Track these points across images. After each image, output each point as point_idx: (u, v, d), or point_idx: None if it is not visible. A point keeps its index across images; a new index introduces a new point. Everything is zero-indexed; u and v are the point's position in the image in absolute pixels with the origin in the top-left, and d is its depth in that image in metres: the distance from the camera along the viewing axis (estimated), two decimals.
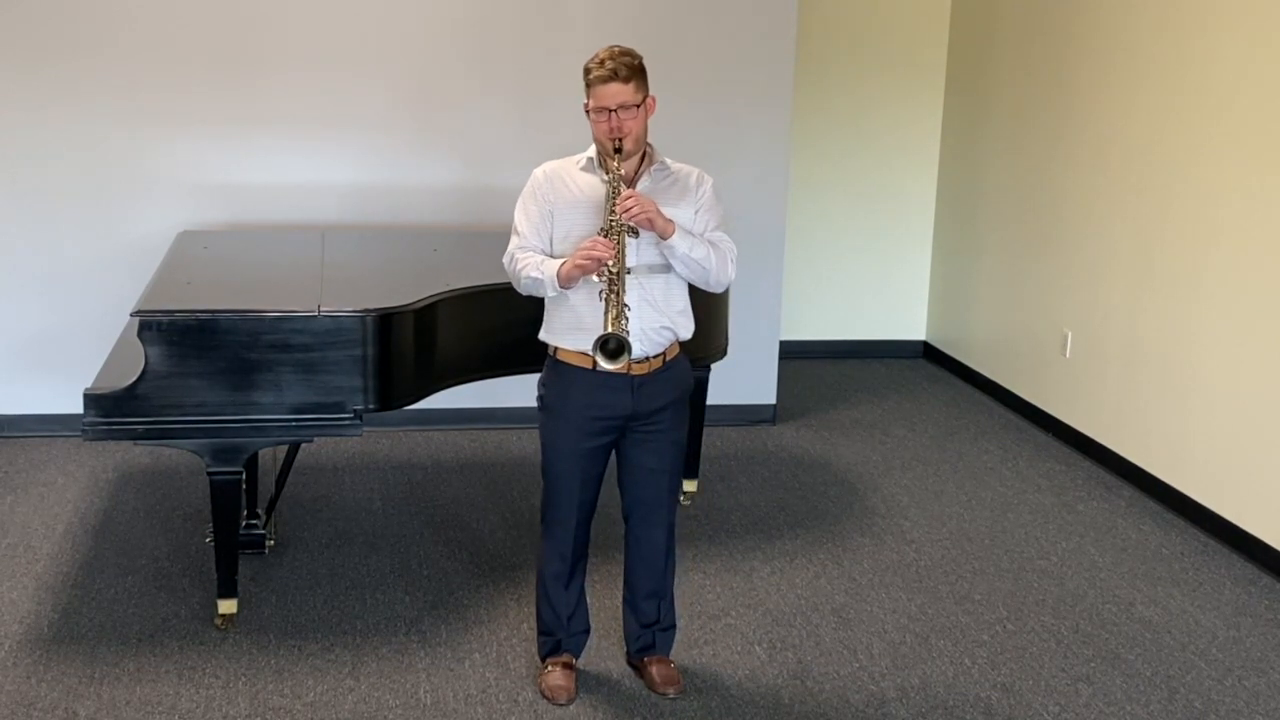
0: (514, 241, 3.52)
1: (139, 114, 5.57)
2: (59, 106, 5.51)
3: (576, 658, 3.75)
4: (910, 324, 7.62)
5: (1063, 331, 6.03)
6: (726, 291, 3.76)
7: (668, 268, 3.46)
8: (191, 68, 5.57)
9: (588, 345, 3.36)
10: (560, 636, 3.71)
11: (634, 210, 3.29)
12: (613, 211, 3.31)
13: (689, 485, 5.06)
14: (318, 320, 3.77)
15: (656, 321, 3.46)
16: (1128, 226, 5.51)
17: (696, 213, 3.49)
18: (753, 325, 6.03)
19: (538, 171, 3.55)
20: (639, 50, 3.40)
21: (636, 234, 3.35)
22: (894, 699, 3.71)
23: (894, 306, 7.57)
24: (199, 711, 3.53)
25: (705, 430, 5.26)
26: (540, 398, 3.58)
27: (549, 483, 3.62)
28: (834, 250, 7.42)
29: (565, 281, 3.38)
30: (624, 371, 3.36)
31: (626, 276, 3.34)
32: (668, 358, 3.53)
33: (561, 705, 3.61)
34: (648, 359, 3.47)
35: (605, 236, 3.31)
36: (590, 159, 3.48)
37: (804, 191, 7.22)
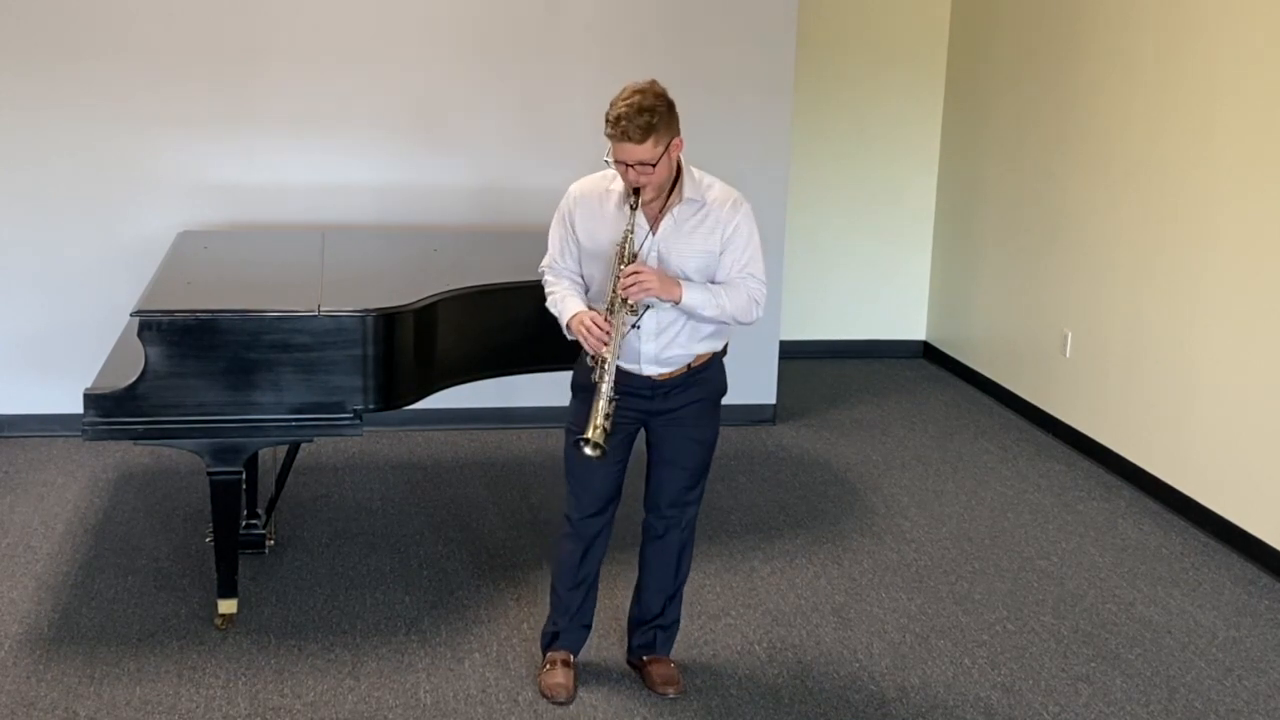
0: (547, 257, 3.59)
1: (139, 114, 5.57)
2: (59, 106, 5.50)
3: (575, 654, 3.75)
4: (910, 324, 7.62)
5: (1063, 331, 6.03)
6: None
7: None
8: (192, 68, 5.57)
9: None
10: (562, 626, 3.72)
11: (634, 291, 3.28)
12: (615, 286, 3.32)
13: None
14: (318, 320, 3.77)
15: (676, 350, 3.48)
16: (1128, 226, 5.51)
17: (722, 252, 3.43)
18: (753, 325, 6.00)
19: (572, 189, 3.54)
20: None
21: (636, 312, 3.35)
22: (894, 699, 3.71)
23: (894, 306, 7.57)
24: (199, 711, 3.53)
25: None
26: (573, 377, 3.60)
27: (568, 466, 3.62)
28: (834, 250, 7.42)
29: (572, 334, 3.43)
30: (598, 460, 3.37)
31: (647, 311, 3.38)
32: (692, 366, 3.53)
33: (561, 704, 3.62)
34: (668, 371, 3.49)
35: (609, 312, 3.32)
36: (621, 192, 3.44)
37: (804, 191, 7.22)
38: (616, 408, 3.44)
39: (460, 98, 5.82)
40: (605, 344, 3.31)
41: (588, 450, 3.31)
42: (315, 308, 3.79)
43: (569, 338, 3.48)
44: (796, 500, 5.24)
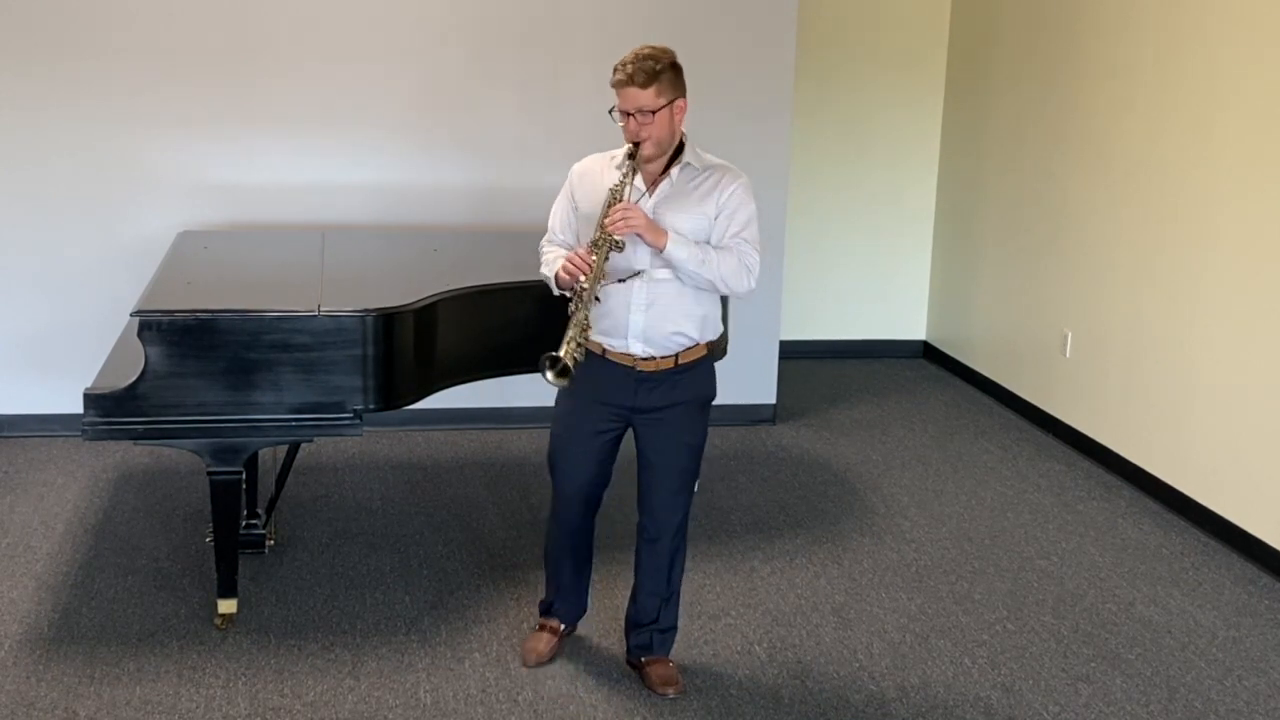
0: (547, 233, 3.62)
1: (139, 114, 5.57)
2: (59, 106, 5.51)
3: (569, 627, 3.86)
4: (910, 324, 7.62)
5: (1063, 331, 6.03)
6: None
7: None
8: (192, 67, 5.57)
9: (601, 335, 3.43)
10: (553, 597, 3.85)
11: (619, 225, 3.28)
12: (602, 221, 3.32)
13: None
14: (318, 320, 3.77)
15: (666, 326, 3.45)
16: (1128, 226, 5.51)
17: (717, 217, 3.44)
18: (753, 325, 6.02)
19: (576, 166, 3.58)
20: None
21: (621, 248, 3.33)
22: (894, 699, 3.71)
23: (894, 306, 7.57)
24: (199, 711, 3.53)
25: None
26: None
27: (551, 451, 3.67)
28: (834, 250, 7.42)
29: (559, 286, 3.43)
30: (566, 386, 3.32)
31: (635, 279, 3.37)
32: (680, 360, 3.50)
33: (529, 667, 3.73)
34: (654, 359, 3.47)
35: (594, 247, 3.32)
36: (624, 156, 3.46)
37: (804, 192, 7.22)
38: (597, 400, 3.49)
39: (460, 98, 5.82)
40: (585, 273, 3.28)
41: (550, 376, 3.24)
42: (315, 308, 3.79)
43: (556, 293, 3.49)
44: (796, 500, 5.24)
